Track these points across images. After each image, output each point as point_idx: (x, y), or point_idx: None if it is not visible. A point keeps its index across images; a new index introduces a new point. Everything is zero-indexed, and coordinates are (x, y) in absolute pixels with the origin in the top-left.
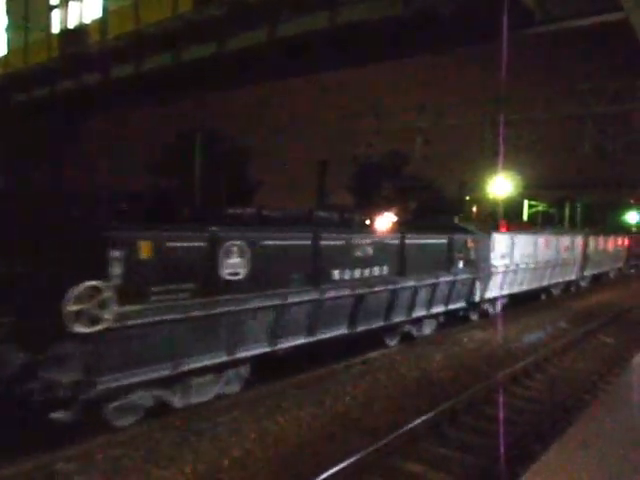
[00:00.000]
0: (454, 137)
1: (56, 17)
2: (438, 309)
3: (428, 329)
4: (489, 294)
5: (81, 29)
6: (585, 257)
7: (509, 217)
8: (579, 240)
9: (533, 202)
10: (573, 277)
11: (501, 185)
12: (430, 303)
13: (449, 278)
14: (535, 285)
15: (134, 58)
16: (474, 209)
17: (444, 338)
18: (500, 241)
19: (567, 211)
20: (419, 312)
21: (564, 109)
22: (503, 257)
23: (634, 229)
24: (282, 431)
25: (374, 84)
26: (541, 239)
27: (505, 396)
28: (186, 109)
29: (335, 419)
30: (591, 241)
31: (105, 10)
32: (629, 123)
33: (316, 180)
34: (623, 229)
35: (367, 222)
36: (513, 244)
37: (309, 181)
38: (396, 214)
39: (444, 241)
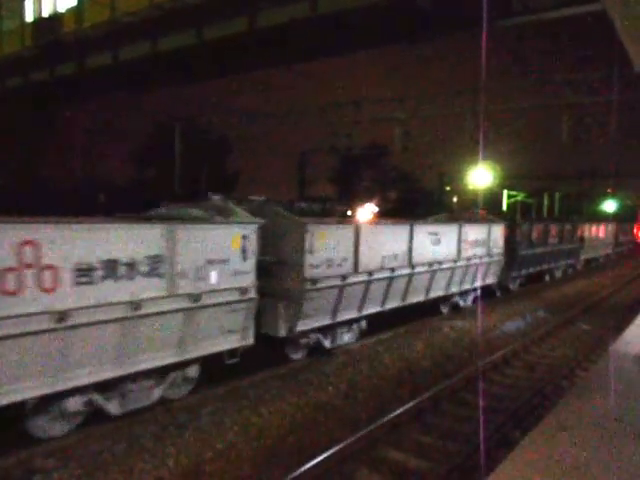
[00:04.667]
0: (434, 128)
1: (30, 5)
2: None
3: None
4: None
5: (56, 18)
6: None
7: (489, 207)
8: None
9: (513, 192)
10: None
11: (481, 175)
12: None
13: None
14: None
15: (110, 48)
16: (455, 199)
17: (425, 328)
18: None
19: (545, 201)
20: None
21: (541, 100)
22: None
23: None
24: (265, 422)
25: (354, 75)
26: None
27: (486, 383)
28: (165, 99)
29: (318, 410)
30: (365, 235)
31: None
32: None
33: (297, 171)
34: (601, 218)
35: (348, 212)
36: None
37: (291, 172)
38: (377, 204)
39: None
